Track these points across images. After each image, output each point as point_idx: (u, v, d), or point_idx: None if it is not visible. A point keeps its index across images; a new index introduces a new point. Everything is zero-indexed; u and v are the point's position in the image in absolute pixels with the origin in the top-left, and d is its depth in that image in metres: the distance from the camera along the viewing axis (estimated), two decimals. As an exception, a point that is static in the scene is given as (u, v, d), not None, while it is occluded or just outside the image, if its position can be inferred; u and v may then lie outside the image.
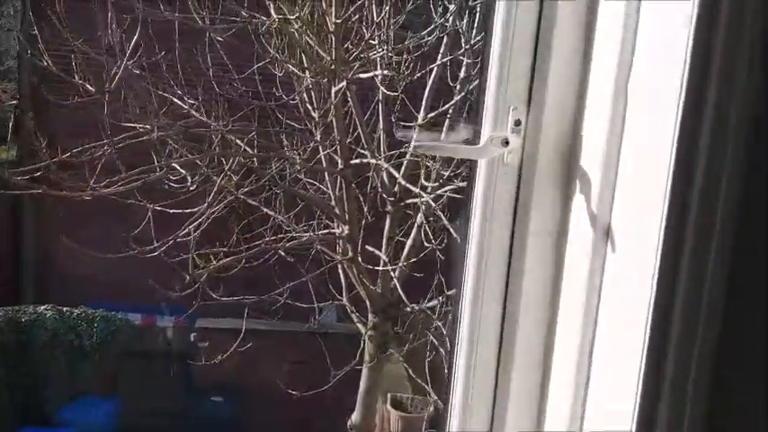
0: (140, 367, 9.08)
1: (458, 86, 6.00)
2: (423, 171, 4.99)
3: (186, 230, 4.70)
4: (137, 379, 9.04)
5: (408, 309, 5.79)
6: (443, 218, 5.51)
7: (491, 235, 1.03)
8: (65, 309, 8.78)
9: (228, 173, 5.46)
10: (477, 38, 5.29)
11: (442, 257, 5.62)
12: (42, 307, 8.72)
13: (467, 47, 5.47)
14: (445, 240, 5.66)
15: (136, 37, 4.41)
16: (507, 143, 0.98)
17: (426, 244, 5.34)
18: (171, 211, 4.85)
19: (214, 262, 4.84)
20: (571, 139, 1.00)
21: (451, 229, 5.58)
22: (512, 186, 1.00)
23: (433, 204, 5.06)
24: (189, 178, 4.20)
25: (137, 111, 4.86)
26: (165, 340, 9.33)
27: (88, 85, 5.10)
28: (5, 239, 10.39)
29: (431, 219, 5.74)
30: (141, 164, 4.75)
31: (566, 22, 0.97)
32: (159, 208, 4.80)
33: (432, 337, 5.34)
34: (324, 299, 6.87)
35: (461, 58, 5.71)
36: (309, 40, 5.68)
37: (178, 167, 4.39)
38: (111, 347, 8.87)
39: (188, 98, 5.78)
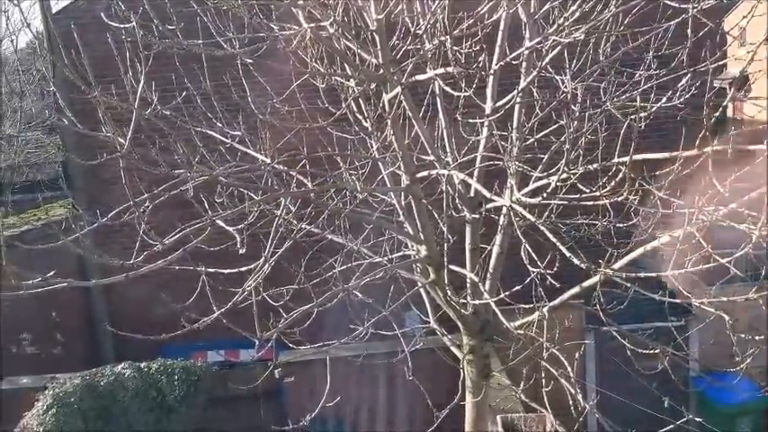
0: (229, 413, 8.66)
1: (523, 64, 5.26)
2: (514, 178, 4.26)
3: (244, 294, 4.12)
4: (227, 426, 8.63)
5: (506, 326, 5.08)
6: (531, 218, 4.78)
7: None
8: (142, 365, 8.40)
9: (288, 204, 4.88)
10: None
11: (538, 262, 4.89)
12: (120, 366, 8.36)
13: (530, 20, 4.71)
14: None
15: (143, 77, 3.82)
16: None
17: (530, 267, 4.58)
18: (225, 271, 4.28)
19: (284, 317, 4.26)
20: None
21: (542, 227, 4.85)
22: None
23: (519, 209, 4.33)
24: (236, 235, 3.61)
25: (173, 158, 4.29)
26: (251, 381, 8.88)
27: (120, 139, 4.55)
28: (77, 303, 10.16)
29: (518, 219, 5.01)
30: (185, 216, 4.17)
31: None
32: (212, 270, 4.21)
33: (543, 362, 4.62)
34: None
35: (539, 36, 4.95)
36: (349, 44, 5.03)
37: (222, 224, 3.81)
38: (195, 397, 8.45)
39: (228, 131, 5.24)
